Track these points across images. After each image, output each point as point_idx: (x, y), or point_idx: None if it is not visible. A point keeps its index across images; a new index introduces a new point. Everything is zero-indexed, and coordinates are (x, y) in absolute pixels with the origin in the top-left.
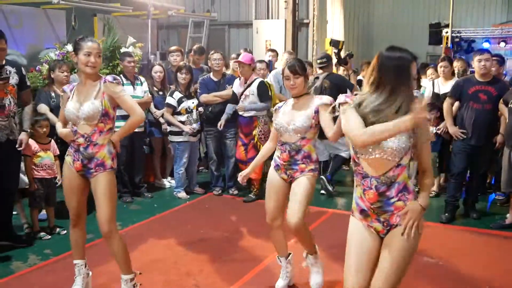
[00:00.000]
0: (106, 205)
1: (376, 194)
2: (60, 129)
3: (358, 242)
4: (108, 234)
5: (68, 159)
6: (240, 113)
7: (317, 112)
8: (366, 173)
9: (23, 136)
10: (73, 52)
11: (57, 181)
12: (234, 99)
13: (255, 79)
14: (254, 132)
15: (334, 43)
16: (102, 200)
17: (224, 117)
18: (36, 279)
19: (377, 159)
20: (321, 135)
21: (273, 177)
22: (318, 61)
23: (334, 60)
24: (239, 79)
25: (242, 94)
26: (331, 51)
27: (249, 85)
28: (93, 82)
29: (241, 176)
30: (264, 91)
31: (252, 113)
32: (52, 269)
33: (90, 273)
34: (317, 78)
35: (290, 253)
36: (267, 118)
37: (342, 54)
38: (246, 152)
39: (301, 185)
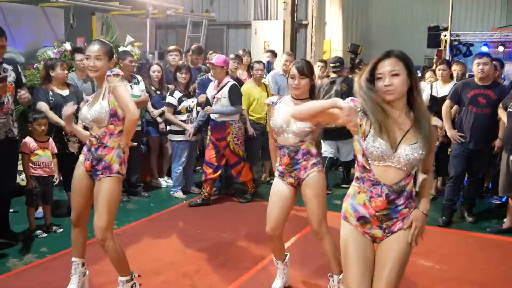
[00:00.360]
0: (103, 212)
1: (385, 202)
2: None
3: (356, 250)
4: (102, 241)
5: (81, 157)
6: (212, 116)
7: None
8: (378, 180)
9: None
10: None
11: (55, 180)
12: (207, 103)
13: (227, 82)
14: (228, 138)
15: (354, 48)
16: (101, 206)
17: (194, 125)
18: (32, 277)
19: (389, 167)
20: (327, 136)
21: (279, 185)
22: (332, 65)
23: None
24: (213, 82)
25: (214, 97)
26: (329, 53)
27: (221, 88)
28: (102, 86)
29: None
30: (235, 95)
31: (223, 118)
32: (48, 267)
33: (87, 272)
34: (333, 82)
35: (287, 255)
36: (240, 123)
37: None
38: (217, 156)
39: (312, 187)
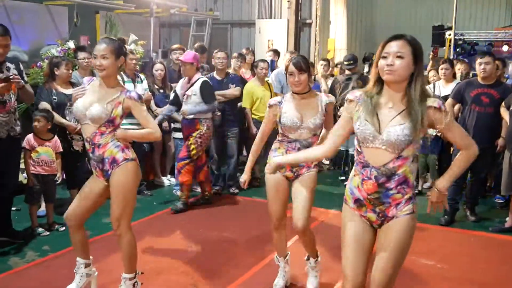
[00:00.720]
0: (114, 203)
1: (375, 184)
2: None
3: (353, 233)
4: (117, 231)
5: (93, 171)
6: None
7: (326, 109)
8: (367, 162)
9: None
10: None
11: (57, 179)
12: (176, 101)
13: (198, 79)
14: (194, 134)
15: (369, 55)
16: (112, 198)
17: (159, 118)
18: (34, 275)
19: (377, 149)
20: None
21: (275, 177)
22: (346, 62)
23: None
24: (184, 79)
25: (184, 94)
26: (333, 52)
27: (192, 85)
28: (111, 88)
29: (242, 183)
30: (207, 91)
31: (194, 115)
32: (50, 266)
33: (96, 273)
34: (349, 79)
35: (287, 253)
36: (210, 123)
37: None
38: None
39: (306, 184)
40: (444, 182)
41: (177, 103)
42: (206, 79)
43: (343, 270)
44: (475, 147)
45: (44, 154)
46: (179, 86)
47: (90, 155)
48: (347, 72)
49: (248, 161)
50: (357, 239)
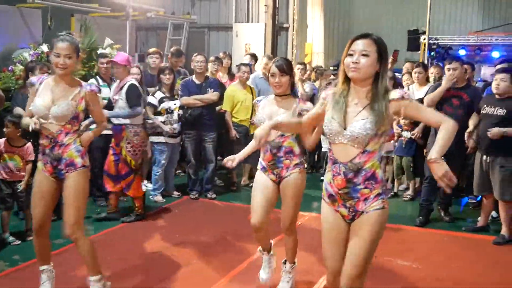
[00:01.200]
0: (72, 207)
1: (344, 180)
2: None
3: (329, 226)
4: (72, 236)
5: (39, 164)
6: (113, 121)
7: (300, 115)
8: (336, 158)
9: None
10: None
11: (18, 186)
12: (107, 105)
13: (126, 82)
14: (121, 144)
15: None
16: (69, 201)
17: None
18: (3, 286)
19: (343, 144)
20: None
21: (261, 178)
22: (331, 68)
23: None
24: (117, 82)
25: (113, 98)
26: (311, 56)
27: (121, 88)
28: (70, 85)
29: (229, 161)
30: (133, 95)
31: (120, 121)
32: (19, 276)
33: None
34: (330, 83)
35: (271, 242)
36: (139, 129)
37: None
38: (117, 166)
39: (291, 187)
40: (432, 154)
41: (108, 107)
42: (135, 82)
43: (323, 260)
44: (450, 120)
45: (11, 161)
46: (112, 91)
47: (47, 151)
48: (332, 77)
49: (248, 147)
50: (333, 233)
